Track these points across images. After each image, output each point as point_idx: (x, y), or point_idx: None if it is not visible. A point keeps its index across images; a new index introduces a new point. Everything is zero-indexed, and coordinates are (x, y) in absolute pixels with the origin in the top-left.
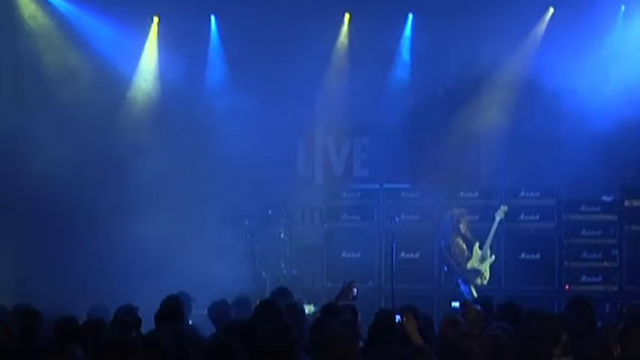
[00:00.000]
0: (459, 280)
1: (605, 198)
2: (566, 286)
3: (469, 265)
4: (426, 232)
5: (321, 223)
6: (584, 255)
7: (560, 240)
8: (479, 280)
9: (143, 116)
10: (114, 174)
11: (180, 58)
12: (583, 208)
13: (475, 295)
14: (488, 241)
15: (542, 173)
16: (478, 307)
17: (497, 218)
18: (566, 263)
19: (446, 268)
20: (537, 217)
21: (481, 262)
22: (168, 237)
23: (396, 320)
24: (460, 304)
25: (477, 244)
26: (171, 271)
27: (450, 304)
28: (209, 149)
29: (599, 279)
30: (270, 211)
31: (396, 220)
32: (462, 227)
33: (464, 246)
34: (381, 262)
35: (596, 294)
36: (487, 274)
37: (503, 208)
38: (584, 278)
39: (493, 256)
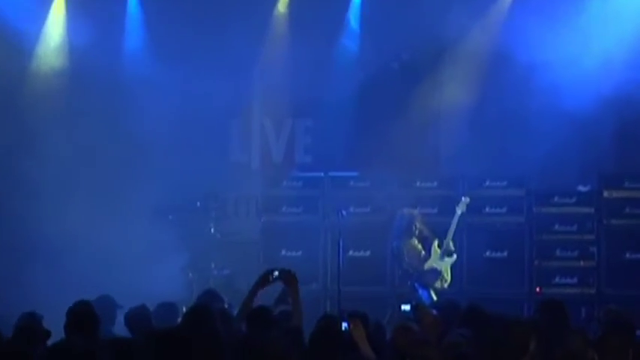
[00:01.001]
0: (416, 285)
1: (582, 188)
2: (537, 289)
3: (426, 266)
4: (377, 226)
5: (258, 216)
6: (558, 253)
7: (531, 236)
8: (439, 283)
9: (47, 90)
10: (16, 155)
11: (92, 23)
12: (556, 199)
13: (435, 299)
14: (449, 238)
15: (510, 160)
16: (434, 312)
17: (458, 212)
18: (536, 262)
19: (400, 270)
20: (504, 209)
21: (440, 261)
22: (78, 229)
23: (343, 327)
24: (412, 308)
25: (435, 242)
26: (81, 270)
27: (400, 308)
28: (127, 130)
29: (575, 280)
30: (198, 203)
31: (344, 213)
32: (416, 228)
33: (419, 247)
34: (327, 261)
35: (570, 297)
36: (448, 276)
37: (465, 200)
38: (557, 279)
39: (454, 255)
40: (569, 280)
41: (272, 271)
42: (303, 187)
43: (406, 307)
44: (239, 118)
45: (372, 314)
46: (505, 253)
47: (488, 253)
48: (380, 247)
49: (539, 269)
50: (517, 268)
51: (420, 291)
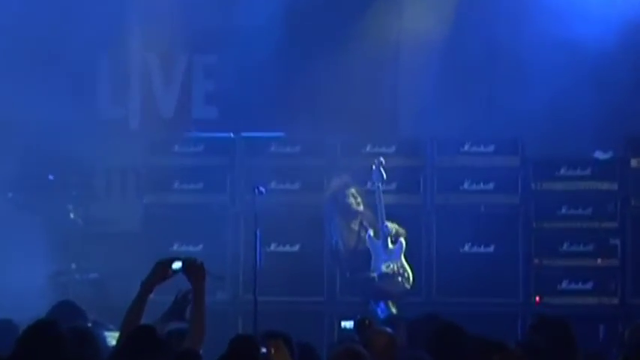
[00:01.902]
0: (369, 299)
1: (600, 155)
2: (536, 298)
3: (384, 268)
4: (311, 210)
5: (139, 196)
6: (566, 247)
7: (528, 223)
8: (397, 285)
9: None
10: None
11: None
12: (564, 171)
13: (394, 310)
14: (381, 222)
15: (498, 115)
16: (388, 330)
17: (377, 183)
18: (536, 261)
19: (348, 274)
20: (491, 185)
21: (388, 254)
22: None
23: (260, 352)
24: (355, 325)
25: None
26: None
27: (340, 325)
28: None
29: (590, 286)
30: (51, 177)
31: (263, 190)
32: (354, 203)
33: (362, 234)
34: (238, 259)
35: (583, 310)
36: (409, 270)
37: (380, 161)
38: (564, 284)
39: (402, 241)
40: (581, 286)
41: (171, 261)
42: (205, 154)
43: (347, 324)
44: (111, 56)
45: (301, 334)
46: (491, 248)
47: (467, 248)
48: (314, 240)
49: (539, 271)
50: (508, 268)
51: (373, 304)
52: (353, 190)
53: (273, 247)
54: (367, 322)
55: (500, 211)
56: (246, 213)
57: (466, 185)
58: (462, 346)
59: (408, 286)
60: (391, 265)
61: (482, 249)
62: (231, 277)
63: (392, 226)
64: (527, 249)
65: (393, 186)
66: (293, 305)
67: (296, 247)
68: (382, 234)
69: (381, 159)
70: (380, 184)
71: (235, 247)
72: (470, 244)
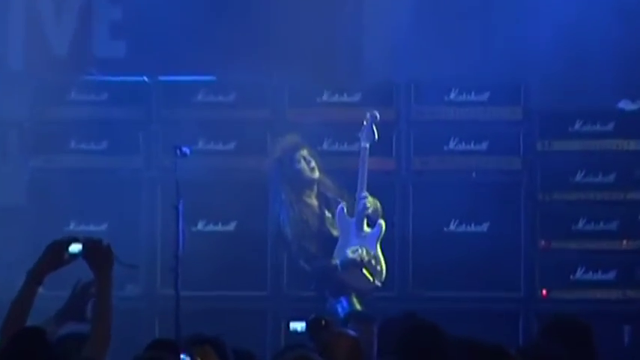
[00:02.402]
0: (328, 293)
1: (626, 105)
2: (543, 292)
3: (350, 253)
4: (250, 178)
5: (23, 158)
6: (581, 225)
7: (532, 194)
8: (365, 280)
9: None
10: None
11: None
12: (578, 126)
13: (358, 307)
14: (360, 192)
15: (494, 54)
16: (351, 332)
17: (365, 143)
18: (543, 243)
19: (301, 261)
20: (484, 145)
21: (359, 238)
22: None
23: None
24: (308, 326)
25: (344, 205)
26: None
27: (288, 327)
28: None
29: (612, 275)
30: None
31: (187, 151)
32: (307, 169)
33: (319, 209)
34: (154, 241)
35: (603, 307)
36: (381, 262)
37: (372, 116)
38: (579, 274)
39: (382, 224)
40: (601, 276)
41: (67, 242)
42: (110, 104)
43: (298, 326)
44: None
45: (237, 339)
46: (484, 227)
47: (453, 227)
48: (254, 217)
49: (546, 256)
50: (506, 253)
51: (334, 301)
52: (305, 152)
53: (200, 225)
54: (324, 322)
55: (497, 178)
56: (164, 181)
57: (452, 145)
58: (444, 353)
59: (378, 283)
60: (359, 251)
61: (472, 228)
62: (145, 265)
63: (372, 203)
64: (531, 228)
65: (356, 146)
66: (226, 302)
67: (231, 226)
68: (358, 211)
69: (376, 113)
70: (367, 146)
71: (151, 225)
72: (457, 221)
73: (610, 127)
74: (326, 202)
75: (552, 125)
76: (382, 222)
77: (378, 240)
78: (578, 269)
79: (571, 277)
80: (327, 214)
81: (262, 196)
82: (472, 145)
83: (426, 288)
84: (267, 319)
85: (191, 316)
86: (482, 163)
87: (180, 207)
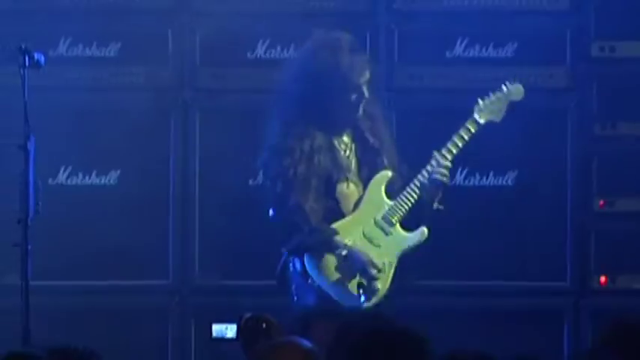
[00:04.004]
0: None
1: None
2: (601, 278)
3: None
4: (145, 98)
5: None
6: None
7: (586, 127)
8: (349, 293)
9: None
10: None
11: None
12: None
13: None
14: (436, 173)
15: None
16: (302, 342)
17: (480, 119)
18: (601, 202)
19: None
20: (509, 49)
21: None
22: None
23: None
24: (240, 330)
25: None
26: None
27: (211, 331)
28: None
29: None
30: None
31: (40, 59)
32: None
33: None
34: None
35: None
36: (383, 286)
37: (507, 90)
38: None
39: (423, 232)
40: None
41: None
42: None
43: (225, 330)
44: None
45: (125, 348)
46: (509, 179)
47: (460, 179)
48: (151, 164)
49: (607, 224)
50: (544, 220)
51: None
52: (367, 76)
53: (62, 176)
54: (264, 324)
55: (530, 103)
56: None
57: (459, 49)
58: None
59: (364, 303)
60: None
61: (489, 180)
62: None
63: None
64: (582, 180)
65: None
66: (105, 294)
67: (110, 179)
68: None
69: None
70: (469, 131)
71: None
72: (466, 170)
73: None
74: (362, 156)
75: (617, 20)
76: (425, 229)
77: (405, 251)
78: None
79: None
80: (352, 167)
81: (163, 128)
82: (490, 50)
83: (422, 273)
84: (168, 320)
85: (51, 317)
86: (504, 75)
87: (31, 146)
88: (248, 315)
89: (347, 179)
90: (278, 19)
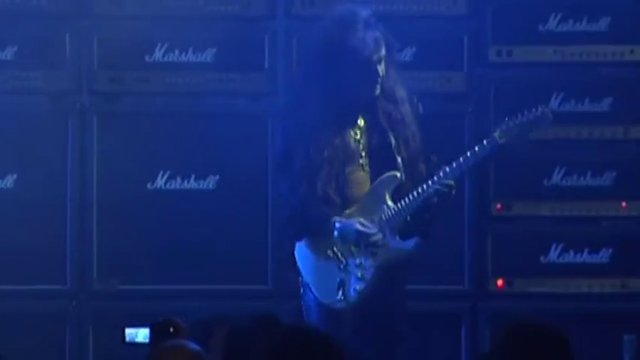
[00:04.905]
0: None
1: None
2: (498, 282)
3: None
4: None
5: None
6: (558, 179)
7: (481, 129)
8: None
9: None
10: None
11: None
12: (552, 24)
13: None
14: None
15: None
16: (189, 345)
17: (499, 139)
18: (498, 207)
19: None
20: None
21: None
22: None
23: None
24: (153, 334)
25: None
26: None
27: (124, 335)
28: None
29: (605, 256)
30: None
31: None
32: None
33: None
34: None
35: (591, 305)
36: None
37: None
38: (553, 253)
39: (417, 243)
40: (587, 258)
41: None
42: None
43: (137, 334)
44: None
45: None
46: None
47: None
48: (44, 164)
49: (503, 226)
50: (447, 225)
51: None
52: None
53: None
54: (172, 329)
55: (427, 108)
56: None
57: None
58: None
59: (339, 304)
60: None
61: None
62: None
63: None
64: (479, 183)
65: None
66: (1, 298)
67: (8, 181)
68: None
69: None
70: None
71: None
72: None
73: (603, 25)
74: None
75: (514, 24)
76: (420, 240)
77: (393, 259)
78: (553, 247)
79: (541, 259)
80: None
81: (60, 132)
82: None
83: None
84: (66, 325)
85: None
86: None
87: None
88: (162, 319)
89: (358, 165)
90: (176, 23)
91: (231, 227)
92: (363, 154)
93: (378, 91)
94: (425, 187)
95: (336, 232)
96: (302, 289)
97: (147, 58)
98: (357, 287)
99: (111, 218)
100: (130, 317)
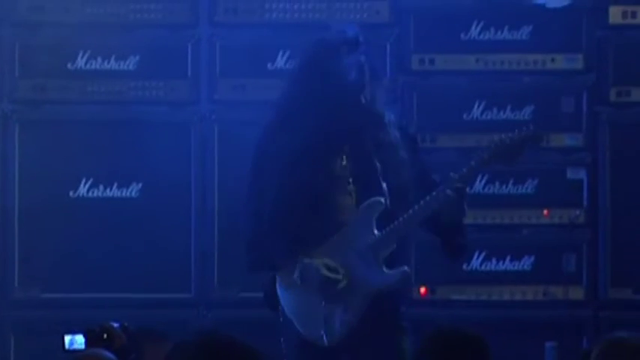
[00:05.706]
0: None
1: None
2: (421, 289)
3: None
4: None
5: None
6: (479, 187)
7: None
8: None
9: None
10: None
11: None
12: (475, 33)
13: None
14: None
15: None
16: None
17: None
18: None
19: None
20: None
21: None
22: None
23: None
24: (87, 340)
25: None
26: None
27: (64, 342)
28: None
29: (527, 264)
30: None
31: None
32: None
33: None
34: None
35: (513, 312)
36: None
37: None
38: (475, 261)
39: (405, 272)
40: (509, 265)
41: None
42: None
43: (74, 340)
44: None
45: None
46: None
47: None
48: None
49: (424, 237)
50: None
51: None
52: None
53: None
54: (106, 335)
55: None
56: None
57: (280, 62)
58: None
59: (322, 340)
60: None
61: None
62: None
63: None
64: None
65: None
66: None
67: None
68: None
69: None
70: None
71: None
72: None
73: (524, 34)
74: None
75: (437, 33)
76: (407, 269)
77: (378, 289)
78: (475, 255)
79: (464, 266)
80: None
81: None
82: None
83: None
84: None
85: None
86: None
87: None
88: (99, 325)
89: (344, 191)
90: (99, 31)
91: (154, 235)
92: (350, 180)
93: (363, 116)
94: (416, 208)
95: (296, 273)
96: (282, 322)
97: (69, 65)
98: (344, 318)
99: (33, 226)
100: (51, 326)
